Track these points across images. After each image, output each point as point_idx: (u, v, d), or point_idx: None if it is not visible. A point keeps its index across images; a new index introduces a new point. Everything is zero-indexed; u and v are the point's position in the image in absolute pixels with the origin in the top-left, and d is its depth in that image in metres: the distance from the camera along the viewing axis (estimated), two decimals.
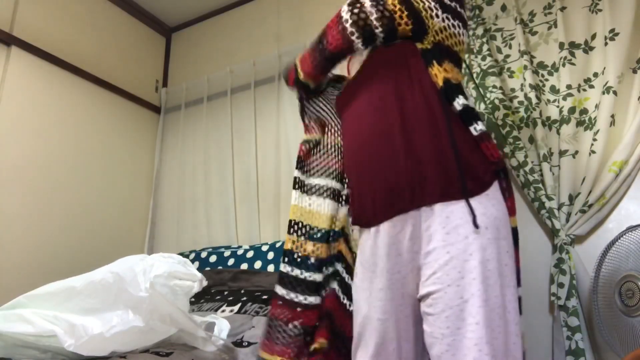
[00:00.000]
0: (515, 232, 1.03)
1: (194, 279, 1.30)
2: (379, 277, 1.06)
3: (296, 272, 1.24)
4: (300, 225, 1.28)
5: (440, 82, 1.02)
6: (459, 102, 1.01)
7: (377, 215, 1.07)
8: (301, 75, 1.20)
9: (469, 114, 1.01)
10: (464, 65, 2.02)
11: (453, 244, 0.95)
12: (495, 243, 0.95)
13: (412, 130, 1.02)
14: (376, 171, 1.06)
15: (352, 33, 1.04)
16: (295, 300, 1.22)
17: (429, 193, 0.99)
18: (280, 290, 1.24)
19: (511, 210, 1.03)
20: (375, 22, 1.02)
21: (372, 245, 1.08)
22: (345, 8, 1.06)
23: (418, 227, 1.01)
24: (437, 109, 1.02)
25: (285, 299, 1.22)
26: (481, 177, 0.99)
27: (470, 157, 0.99)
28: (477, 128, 1.00)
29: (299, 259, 1.25)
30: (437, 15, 1.04)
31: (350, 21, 1.03)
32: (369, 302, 1.08)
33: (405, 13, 1.03)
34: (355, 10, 1.03)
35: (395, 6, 1.02)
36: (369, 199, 1.08)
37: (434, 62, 1.03)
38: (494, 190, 1.00)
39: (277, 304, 1.23)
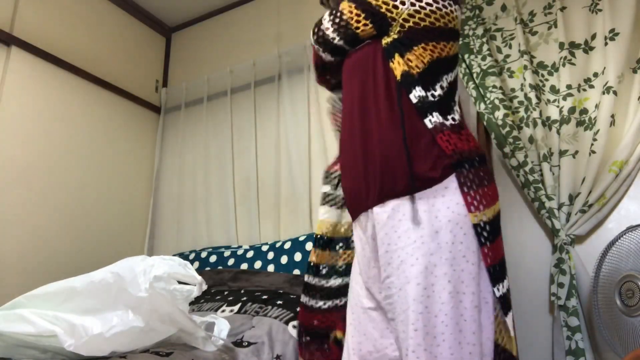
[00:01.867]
0: (497, 218, 0.98)
1: (193, 282, 1.30)
2: (360, 274, 1.12)
3: (322, 282, 1.26)
4: (326, 238, 1.27)
5: (398, 76, 1.01)
6: (414, 95, 0.99)
7: (351, 215, 1.14)
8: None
9: (424, 106, 0.98)
10: (463, 65, 2.03)
11: (403, 247, 0.94)
12: (447, 247, 0.92)
13: (369, 131, 1.04)
14: (347, 174, 1.12)
15: (318, 49, 1.18)
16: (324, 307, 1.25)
17: (376, 194, 1.00)
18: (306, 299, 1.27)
19: (491, 198, 0.97)
20: (332, 35, 1.12)
21: (357, 243, 1.14)
22: (312, 31, 1.18)
23: (373, 228, 1.02)
24: (394, 104, 1.01)
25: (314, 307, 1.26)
26: (426, 173, 0.95)
27: (418, 152, 0.97)
28: (432, 120, 0.97)
29: (324, 270, 1.26)
30: (402, 3, 1.02)
31: (314, 39, 1.17)
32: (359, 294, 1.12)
33: (362, 15, 1.05)
34: (316, 30, 1.16)
35: (351, 13, 1.07)
36: (347, 200, 1.15)
37: (396, 54, 1.02)
38: (448, 186, 0.95)
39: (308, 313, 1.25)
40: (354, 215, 1.12)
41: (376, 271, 1.05)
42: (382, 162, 1.00)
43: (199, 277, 1.31)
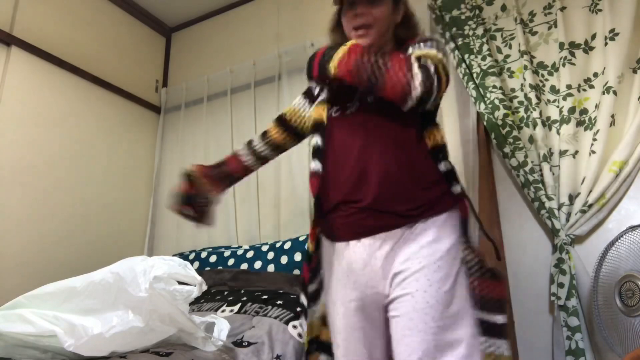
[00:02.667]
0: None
1: (193, 282, 1.30)
2: (354, 290, 1.12)
3: None
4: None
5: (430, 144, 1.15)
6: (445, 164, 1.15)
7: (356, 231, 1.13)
8: (333, 72, 1.12)
9: (453, 172, 1.17)
10: (463, 65, 2.03)
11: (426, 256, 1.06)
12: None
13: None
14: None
15: (413, 91, 1.02)
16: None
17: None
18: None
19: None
20: (438, 88, 1.03)
21: (349, 258, 1.13)
22: (414, 68, 1.03)
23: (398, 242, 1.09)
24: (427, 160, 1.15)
25: None
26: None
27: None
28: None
29: None
30: None
31: (419, 84, 1.01)
32: (344, 314, 1.14)
33: (446, 79, 1.08)
34: (425, 77, 1.02)
35: (442, 72, 1.06)
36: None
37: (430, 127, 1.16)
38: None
39: None
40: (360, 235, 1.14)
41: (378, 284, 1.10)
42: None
43: (199, 278, 1.31)
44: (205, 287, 1.34)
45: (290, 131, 1.43)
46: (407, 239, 1.08)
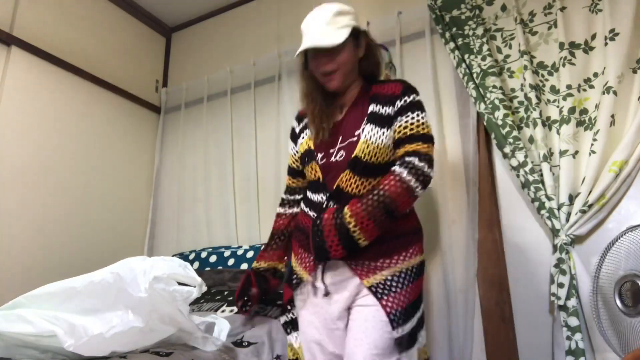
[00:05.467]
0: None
1: (193, 283, 1.30)
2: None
3: None
4: None
5: None
6: None
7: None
8: (362, 242, 1.20)
9: None
10: (463, 65, 2.03)
11: None
12: None
13: None
14: None
15: (418, 192, 1.23)
16: None
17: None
18: None
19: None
20: (431, 174, 1.25)
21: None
22: (409, 177, 1.21)
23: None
24: None
25: None
26: None
27: None
28: None
29: None
30: None
31: (420, 187, 1.22)
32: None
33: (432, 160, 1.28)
34: (421, 178, 1.22)
35: (430, 159, 1.26)
36: None
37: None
38: None
39: None
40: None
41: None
42: None
43: (199, 279, 1.31)
44: (205, 288, 1.34)
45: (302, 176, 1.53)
46: None
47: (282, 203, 1.58)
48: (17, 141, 2.25)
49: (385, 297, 1.20)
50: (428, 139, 1.27)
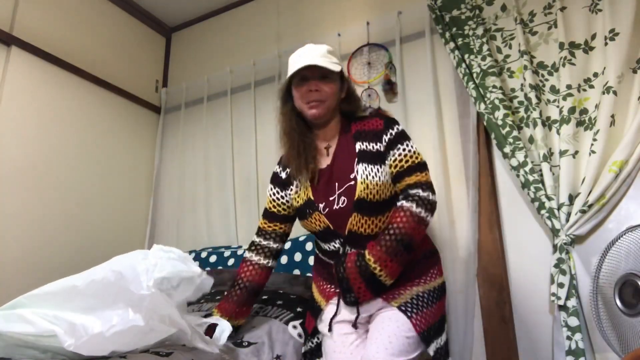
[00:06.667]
0: None
1: (195, 275, 1.31)
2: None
3: None
4: None
5: None
6: None
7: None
8: (388, 281, 1.24)
9: None
10: (463, 65, 2.03)
11: None
12: None
13: None
14: None
15: (428, 220, 1.27)
16: None
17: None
18: None
19: None
20: (435, 198, 1.30)
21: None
22: (419, 210, 1.24)
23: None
24: None
25: None
26: None
27: None
28: None
29: None
30: None
31: (430, 215, 1.27)
32: None
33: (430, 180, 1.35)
34: (429, 207, 1.26)
35: (431, 185, 1.32)
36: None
37: None
38: None
39: None
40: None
41: None
42: None
43: (199, 270, 1.32)
44: (205, 276, 1.35)
45: (280, 220, 1.52)
46: None
47: (253, 248, 1.50)
48: (17, 141, 2.25)
49: (414, 316, 1.24)
50: (423, 166, 1.32)
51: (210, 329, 1.38)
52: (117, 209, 2.75)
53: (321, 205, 1.35)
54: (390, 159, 1.32)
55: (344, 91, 1.43)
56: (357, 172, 1.31)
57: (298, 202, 1.41)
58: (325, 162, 1.41)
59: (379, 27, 2.36)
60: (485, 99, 1.94)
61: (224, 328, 1.38)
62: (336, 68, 1.35)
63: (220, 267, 2.31)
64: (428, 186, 1.28)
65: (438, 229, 2.00)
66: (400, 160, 1.31)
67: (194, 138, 2.93)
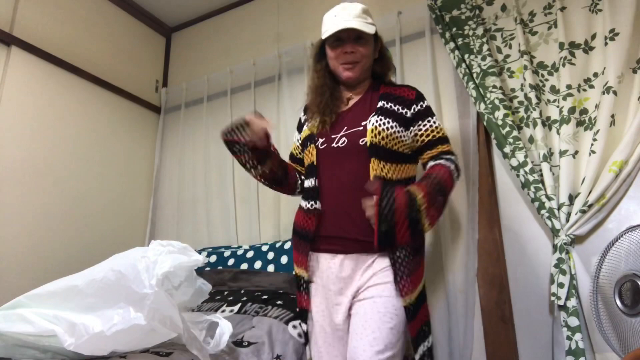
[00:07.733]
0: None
1: (197, 264, 1.32)
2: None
3: None
4: None
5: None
6: None
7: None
8: (428, 228, 1.22)
9: None
10: (463, 65, 2.03)
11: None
12: None
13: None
14: None
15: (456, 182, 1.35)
16: None
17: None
18: None
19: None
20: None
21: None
22: (453, 168, 1.33)
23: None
24: None
25: None
26: None
27: None
28: None
29: None
30: None
31: (458, 178, 1.36)
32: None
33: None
34: (458, 171, 1.36)
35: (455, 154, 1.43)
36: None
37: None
38: None
39: None
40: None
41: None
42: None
43: (201, 258, 1.33)
44: (206, 260, 1.36)
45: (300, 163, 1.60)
46: None
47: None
48: (17, 141, 2.25)
49: (400, 280, 1.25)
50: (448, 140, 1.42)
51: (211, 328, 1.38)
52: (117, 209, 2.75)
53: (320, 140, 1.39)
54: (421, 129, 1.38)
55: (377, 51, 1.46)
56: (369, 121, 1.34)
57: (302, 137, 1.50)
58: (342, 108, 1.44)
59: (378, 26, 2.32)
60: (485, 99, 1.94)
61: (224, 330, 1.38)
62: (371, 30, 1.36)
63: (220, 267, 2.31)
64: (455, 155, 1.39)
65: (438, 229, 2.00)
66: (432, 131, 1.38)
67: (194, 138, 2.93)
